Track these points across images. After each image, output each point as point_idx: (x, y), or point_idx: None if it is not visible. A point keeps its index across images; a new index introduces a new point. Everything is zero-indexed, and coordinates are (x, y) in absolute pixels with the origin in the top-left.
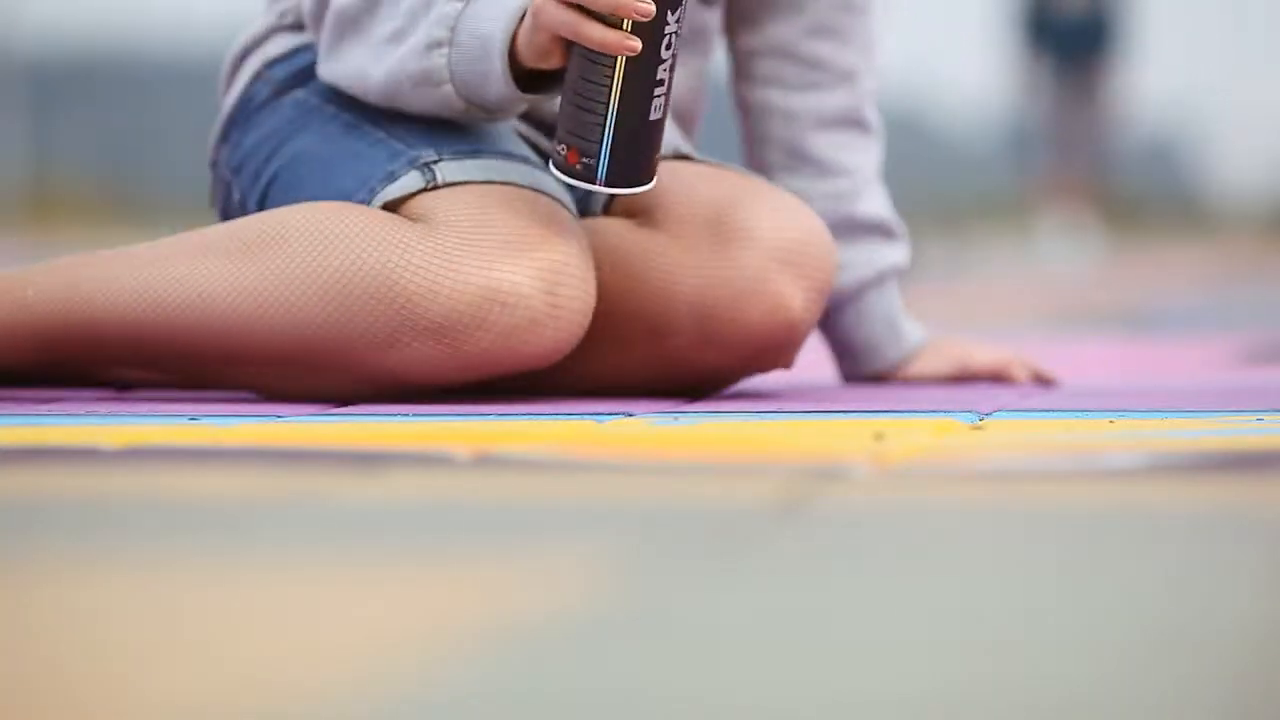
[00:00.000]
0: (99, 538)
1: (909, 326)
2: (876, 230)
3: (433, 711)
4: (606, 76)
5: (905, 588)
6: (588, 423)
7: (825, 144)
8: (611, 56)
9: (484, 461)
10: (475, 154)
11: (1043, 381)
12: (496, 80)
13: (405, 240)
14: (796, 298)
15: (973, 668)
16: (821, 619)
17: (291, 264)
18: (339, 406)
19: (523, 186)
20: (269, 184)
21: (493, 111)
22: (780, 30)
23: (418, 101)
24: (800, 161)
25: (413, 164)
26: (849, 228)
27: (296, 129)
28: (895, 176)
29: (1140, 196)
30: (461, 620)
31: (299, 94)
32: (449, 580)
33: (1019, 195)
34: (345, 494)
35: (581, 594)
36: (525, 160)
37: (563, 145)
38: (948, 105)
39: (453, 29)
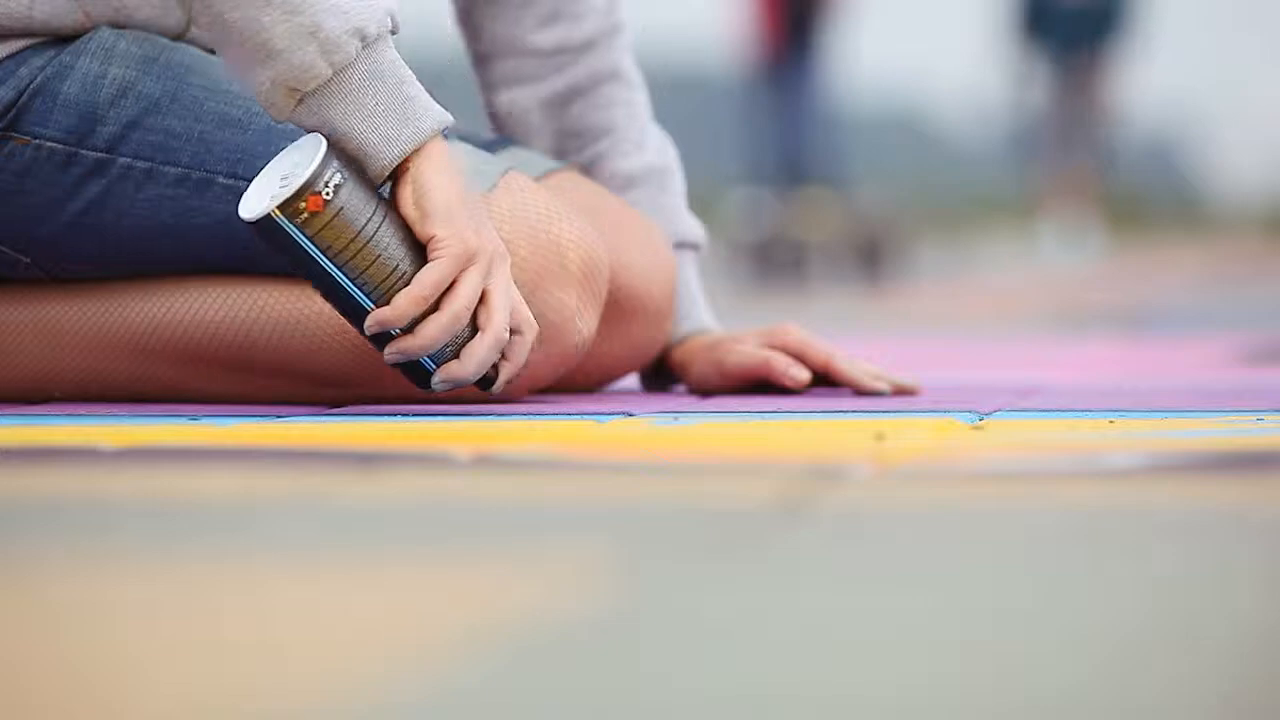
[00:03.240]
0: (99, 538)
1: (690, 305)
2: (645, 182)
3: (433, 711)
4: (372, 276)
5: (905, 588)
6: (588, 423)
7: (583, 110)
8: (379, 293)
9: (484, 461)
10: None
11: (799, 379)
12: (381, 130)
13: None
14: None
15: (972, 668)
16: (821, 619)
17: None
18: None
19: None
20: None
21: (285, 120)
22: (509, 28)
23: (261, 46)
24: (565, 138)
25: None
26: (620, 185)
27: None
28: (895, 176)
29: (1140, 196)
30: (461, 620)
31: (89, 155)
32: (449, 580)
33: (1018, 193)
34: (345, 494)
35: (581, 594)
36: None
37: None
38: (947, 105)
39: (379, 37)
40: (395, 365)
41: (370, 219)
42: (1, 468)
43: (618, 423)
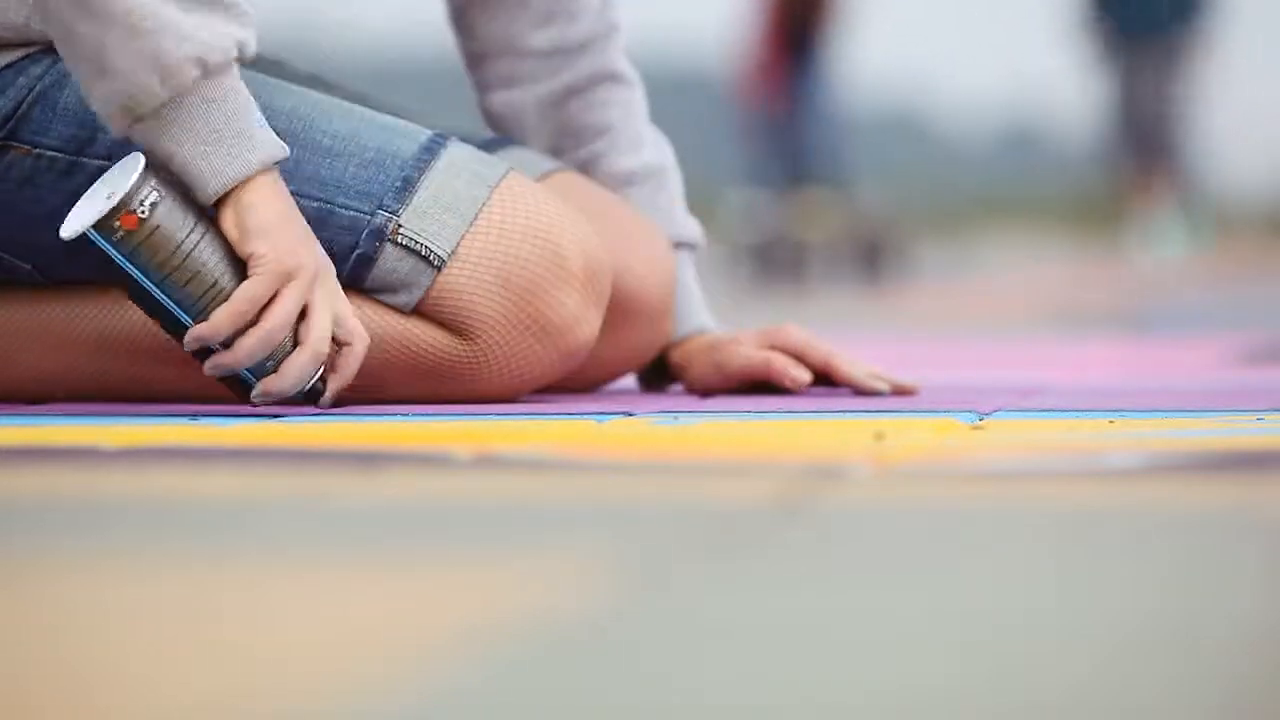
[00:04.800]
0: (99, 538)
1: (690, 305)
2: (643, 181)
3: (433, 711)
4: (192, 296)
5: (905, 588)
6: (588, 423)
7: (580, 109)
8: (196, 310)
9: (484, 461)
10: (411, 184)
11: (799, 380)
12: (206, 154)
13: (456, 371)
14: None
15: (973, 668)
16: (821, 619)
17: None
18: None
19: (493, 184)
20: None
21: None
22: (505, 29)
23: (105, 66)
24: (562, 138)
25: (376, 234)
26: (617, 185)
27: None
28: (895, 176)
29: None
30: (461, 620)
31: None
32: (449, 580)
33: (1113, 189)
34: (345, 494)
35: (581, 594)
36: (439, 136)
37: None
38: (948, 105)
39: (222, 69)
40: (219, 380)
41: (188, 237)
42: (1, 468)
43: (618, 423)
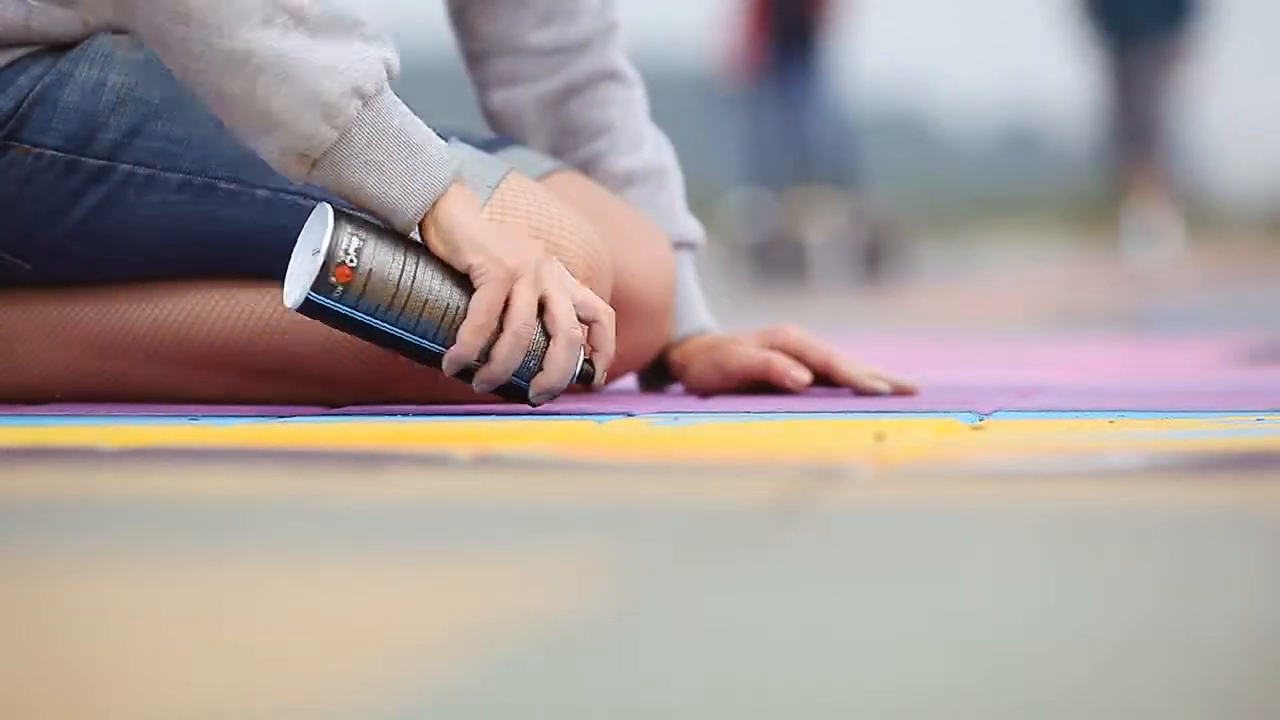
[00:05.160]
0: (99, 538)
1: (690, 305)
2: (643, 181)
3: (432, 711)
4: (432, 323)
5: (905, 588)
6: (588, 423)
7: (580, 108)
8: (440, 336)
9: (484, 461)
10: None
11: (799, 380)
12: (393, 188)
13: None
14: None
15: (973, 668)
16: (821, 619)
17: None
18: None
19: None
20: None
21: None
22: (505, 28)
23: (266, 115)
24: (562, 136)
25: None
26: (617, 184)
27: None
28: (895, 176)
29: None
30: (461, 620)
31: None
32: (449, 580)
33: (1109, 189)
34: (345, 494)
35: (581, 594)
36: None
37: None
38: (948, 105)
39: (379, 91)
40: (495, 393)
41: (404, 269)
42: (1, 468)
43: (618, 423)
